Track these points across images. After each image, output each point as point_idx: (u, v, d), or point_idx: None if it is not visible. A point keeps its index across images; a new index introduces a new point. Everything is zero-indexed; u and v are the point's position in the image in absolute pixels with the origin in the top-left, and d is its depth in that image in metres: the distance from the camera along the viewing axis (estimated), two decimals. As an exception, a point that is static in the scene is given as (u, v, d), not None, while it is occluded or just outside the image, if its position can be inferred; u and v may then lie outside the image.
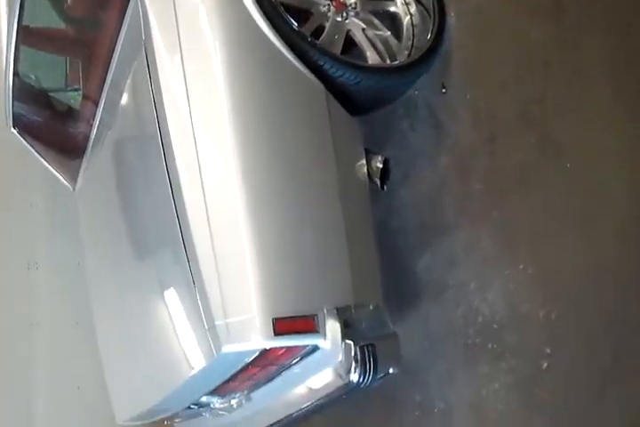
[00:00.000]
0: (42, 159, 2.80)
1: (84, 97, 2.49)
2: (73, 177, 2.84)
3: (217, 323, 1.82)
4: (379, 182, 2.35)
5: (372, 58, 2.45)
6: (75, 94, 2.55)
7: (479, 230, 2.44)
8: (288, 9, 2.26)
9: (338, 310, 1.91)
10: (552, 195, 2.21)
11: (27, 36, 2.41)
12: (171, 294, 2.18)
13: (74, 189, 2.91)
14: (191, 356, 2.03)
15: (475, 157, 2.47)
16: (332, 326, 1.87)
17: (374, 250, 2.26)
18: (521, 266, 2.28)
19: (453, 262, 2.52)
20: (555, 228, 2.20)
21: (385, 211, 2.76)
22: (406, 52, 2.53)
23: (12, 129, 2.63)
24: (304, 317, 1.84)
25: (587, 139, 2.11)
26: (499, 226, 2.38)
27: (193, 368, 1.98)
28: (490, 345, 2.37)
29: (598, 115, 2.09)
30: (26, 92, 2.57)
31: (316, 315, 1.86)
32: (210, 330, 1.85)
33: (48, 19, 2.49)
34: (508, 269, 2.32)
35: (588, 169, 2.10)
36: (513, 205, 2.34)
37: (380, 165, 2.34)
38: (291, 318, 1.82)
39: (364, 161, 2.35)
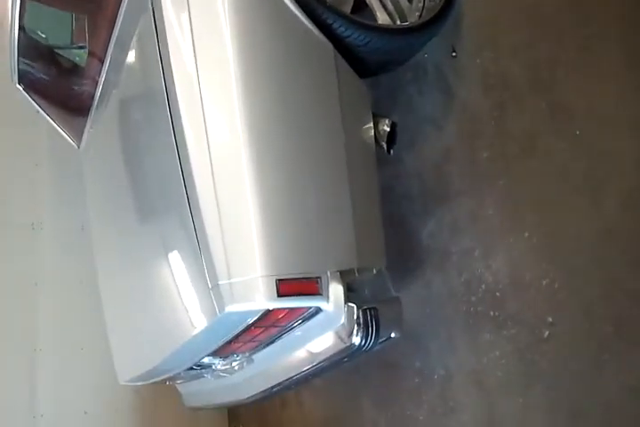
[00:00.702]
0: (47, 116, 2.78)
1: (90, 54, 2.44)
2: (78, 135, 2.82)
3: (220, 283, 1.82)
4: (385, 146, 2.31)
5: (382, 18, 2.40)
6: (80, 51, 2.50)
7: (484, 198, 2.43)
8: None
9: (341, 273, 1.90)
10: (559, 162, 2.19)
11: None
12: (175, 255, 2.17)
13: (78, 147, 2.90)
14: (194, 315, 2.03)
15: (483, 124, 2.45)
16: (335, 289, 1.87)
17: (379, 215, 2.24)
18: (526, 234, 2.28)
19: (458, 230, 2.52)
20: (560, 196, 2.19)
21: (391, 176, 2.74)
22: (417, 14, 2.47)
23: (18, 85, 2.61)
24: (308, 279, 1.84)
25: (598, 106, 2.09)
26: (504, 194, 2.37)
27: (195, 328, 1.98)
28: (492, 313, 2.38)
29: (611, 81, 2.06)
30: (31, 48, 2.53)
31: (320, 277, 1.85)
32: (213, 289, 1.85)
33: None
34: (512, 237, 2.32)
35: (598, 136, 2.08)
36: (519, 172, 2.33)
37: (388, 129, 2.30)
38: (294, 279, 1.82)
39: (371, 124, 2.32)
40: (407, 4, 2.49)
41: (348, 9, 2.33)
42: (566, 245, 2.16)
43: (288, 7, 2.06)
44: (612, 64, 2.05)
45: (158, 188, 2.25)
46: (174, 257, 2.18)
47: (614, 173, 2.04)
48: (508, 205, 2.36)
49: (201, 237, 1.90)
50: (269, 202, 1.89)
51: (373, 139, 2.31)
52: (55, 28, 2.50)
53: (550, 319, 2.20)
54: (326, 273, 1.87)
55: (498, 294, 2.36)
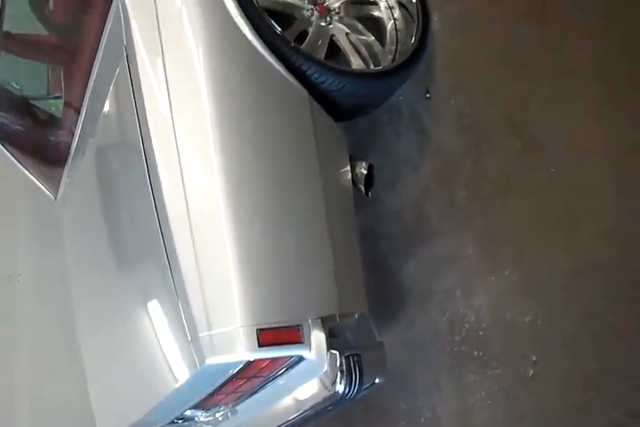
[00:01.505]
0: (23, 168, 2.77)
1: (66, 104, 2.46)
2: (54, 186, 2.81)
3: (200, 335, 1.80)
4: (363, 189, 2.33)
5: (355, 63, 2.44)
6: (56, 102, 2.52)
7: (464, 237, 2.43)
8: (271, 14, 2.24)
9: (323, 319, 1.88)
10: (536, 200, 2.21)
11: (8, 42, 2.38)
12: (154, 305, 2.15)
13: (55, 199, 2.89)
14: (175, 368, 2.00)
15: (459, 163, 2.47)
16: (317, 337, 1.85)
17: (358, 258, 2.24)
18: (506, 272, 2.28)
19: (438, 269, 2.51)
20: (539, 233, 2.20)
21: (369, 217, 2.75)
22: (390, 57, 2.52)
23: (-7, 140, 2.61)
24: (288, 327, 1.82)
25: (571, 143, 2.11)
26: (483, 232, 2.38)
27: (177, 381, 1.95)
28: (476, 353, 2.36)
29: (583, 119, 2.08)
30: (7, 100, 2.54)
31: (301, 325, 1.83)
32: (193, 342, 1.82)
33: (29, 25, 2.47)
34: (493, 275, 2.32)
35: (573, 173, 2.10)
36: (497, 211, 2.33)
37: (365, 172, 2.31)
38: (275, 328, 1.79)
39: (348, 167, 2.33)
40: (380, 47, 2.53)
41: (321, 54, 2.34)
42: (546, 281, 2.16)
43: (262, 55, 2.08)
44: (585, 102, 2.07)
45: (136, 237, 2.24)
46: (153, 308, 2.15)
47: (590, 209, 2.04)
48: (488, 243, 2.36)
49: (179, 287, 1.88)
50: (247, 250, 1.87)
51: (351, 182, 2.32)
52: (31, 80, 2.52)
53: (534, 358, 2.18)
54: (307, 320, 1.85)
55: (481, 333, 2.35)
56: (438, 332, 2.49)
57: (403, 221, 2.69)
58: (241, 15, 2.06)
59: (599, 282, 2.02)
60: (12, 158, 2.74)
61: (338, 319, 1.96)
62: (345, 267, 2.12)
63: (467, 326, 2.40)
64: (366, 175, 2.32)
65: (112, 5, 2.02)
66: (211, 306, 1.82)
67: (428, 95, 2.59)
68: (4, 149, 2.69)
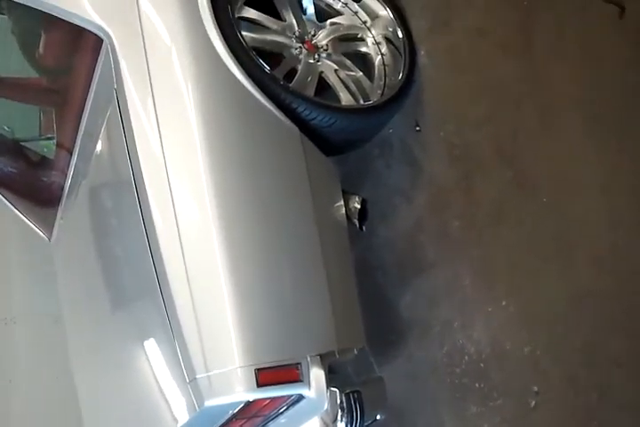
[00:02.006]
0: (16, 211, 2.77)
1: (58, 146, 2.47)
2: (48, 227, 2.80)
3: (198, 376, 1.79)
4: (357, 223, 2.34)
5: (345, 99, 2.45)
6: (48, 143, 2.53)
7: (459, 268, 2.44)
8: (260, 53, 2.26)
9: (322, 356, 1.88)
10: (529, 230, 2.22)
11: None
12: (150, 346, 2.14)
13: (50, 240, 2.90)
14: (174, 410, 1.98)
15: (451, 194, 2.49)
16: (317, 374, 1.84)
17: (355, 292, 2.23)
18: (503, 302, 2.28)
19: (435, 301, 2.52)
20: (533, 262, 2.21)
21: (365, 250, 2.75)
22: (379, 92, 2.54)
23: (-15, 182, 2.62)
24: (287, 366, 1.81)
25: (561, 173, 2.13)
26: (478, 263, 2.39)
27: (176, 423, 1.93)
28: (477, 385, 2.35)
29: (571, 148, 2.11)
30: (-2, 143, 2.57)
31: (300, 363, 1.82)
32: (191, 384, 1.81)
33: (20, 68, 2.49)
34: (490, 306, 2.32)
35: (565, 202, 2.11)
36: (491, 241, 2.35)
37: (358, 206, 2.33)
38: (273, 367, 1.78)
39: (341, 202, 2.34)
40: (369, 82, 2.56)
41: (311, 91, 2.36)
42: (544, 311, 2.17)
43: (252, 94, 2.10)
44: (572, 131, 2.09)
45: (131, 278, 2.23)
46: (150, 349, 2.14)
47: (584, 237, 2.06)
48: (483, 273, 2.37)
49: (175, 328, 1.87)
50: (243, 290, 1.87)
51: (345, 216, 2.33)
52: (22, 122, 2.54)
53: (535, 388, 2.18)
54: (306, 358, 1.84)
55: (481, 364, 2.35)
56: (438, 364, 2.49)
57: (398, 253, 2.70)
58: (230, 55, 2.08)
59: (596, 311, 2.03)
60: (5, 201, 2.75)
61: (337, 356, 1.96)
62: (342, 302, 2.11)
63: (466, 357, 2.39)
64: (360, 210, 2.33)
65: (102, 48, 2.04)
66: (207, 347, 1.81)
67: (417, 128, 2.61)
68: (-4, 193, 2.70)
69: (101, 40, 2.01)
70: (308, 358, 1.85)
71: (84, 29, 2.03)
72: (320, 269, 2.04)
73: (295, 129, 2.17)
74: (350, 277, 2.25)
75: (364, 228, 2.36)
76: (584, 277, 2.04)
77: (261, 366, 1.77)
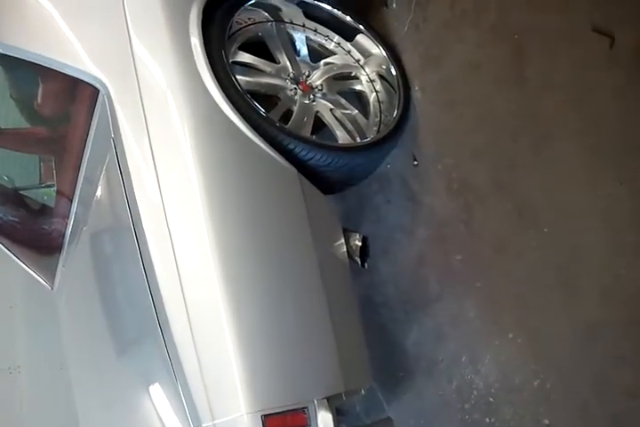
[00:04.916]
0: (18, 260, 2.77)
1: (58, 193, 2.47)
2: (50, 275, 2.80)
3: (204, 425, 1.78)
4: (359, 261, 2.33)
5: (341, 137, 2.48)
6: (48, 191, 2.54)
7: (464, 301, 2.43)
8: (255, 95, 2.29)
9: (329, 399, 1.87)
10: (532, 261, 2.21)
11: (-1, 138, 2.44)
12: (155, 394, 2.12)
13: (52, 288, 2.90)
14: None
15: (452, 228, 2.49)
16: (324, 418, 1.83)
17: (360, 331, 2.22)
18: (510, 335, 2.27)
19: (442, 335, 2.50)
20: (538, 294, 2.20)
21: (368, 286, 2.74)
22: (375, 129, 2.57)
23: (-14, 232, 2.62)
24: (294, 410, 1.80)
25: (560, 203, 2.13)
26: (483, 296, 2.38)
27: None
28: (487, 420, 2.33)
29: (569, 178, 2.11)
30: (-2, 193, 2.58)
31: (307, 407, 1.82)
32: (197, 433, 1.81)
33: (18, 118, 2.52)
34: (497, 339, 2.31)
35: (566, 233, 2.11)
36: (495, 273, 2.34)
37: (359, 244, 2.33)
38: (280, 413, 1.77)
39: (342, 240, 2.34)
40: (364, 120, 2.59)
41: (307, 131, 2.39)
42: (552, 343, 2.15)
43: (248, 137, 2.12)
44: (569, 161, 2.10)
45: (133, 324, 2.23)
46: (155, 397, 2.12)
47: (587, 266, 2.05)
48: (489, 306, 2.36)
49: (179, 375, 1.86)
50: (246, 334, 1.87)
51: (346, 254, 2.33)
52: (21, 171, 2.55)
53: (546, 421, 2.16)
54: (313, 402, 1.84)
55: (491, 399, 2.32)
56: (447, 400, 2.46)
57: (402, 289, 2.69)
58: (225, 100, 2.11)
59: (604, 341, 2.01)
60: (6, 250, 2.75)
61: (344, 398, 1.94)
62: (347, 342, 2.10)
63: (475, 392, 2.37)
64: (361, 247, 2.33)
65: (98, 97, 2.07)
66: (212, 394, 1.80)
67: (415, 162, 2.62)
68: (-2, 244, 2.70)
69: (97, 90, 2.03)
70: (315, 402, 1.84)
71: (79, 80, 2.06)
72: (324, 310, 2.03)
73: (293, 170, 2.18)
74: (355, 315, 2.24)
75: (366, 265, 2.35)
76: (590, 308, 2.03)
77: (268, 412, 1.76)
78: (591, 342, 2.03)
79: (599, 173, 2.02)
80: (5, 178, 2.55)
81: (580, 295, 2.06)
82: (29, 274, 2.83)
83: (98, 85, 2.03)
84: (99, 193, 2.31)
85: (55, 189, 2.47)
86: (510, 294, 2.28)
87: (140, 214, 2.00)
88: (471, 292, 2.40)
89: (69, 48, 2.04)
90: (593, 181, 2.04)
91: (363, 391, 2.08)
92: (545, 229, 2.16)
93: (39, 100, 2.30)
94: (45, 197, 2.55)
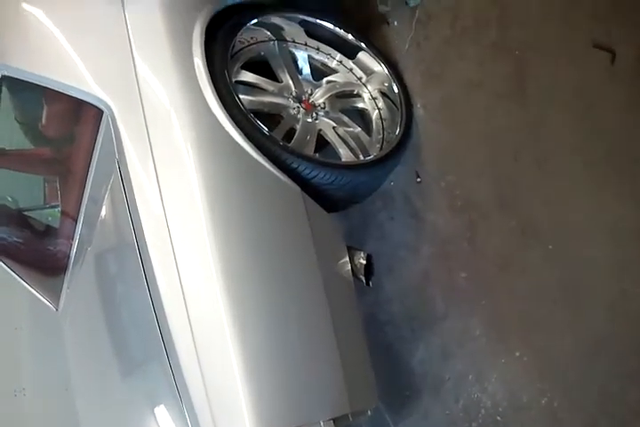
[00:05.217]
0: (22, 281, 2.77)
1: (63, 214, 2.47)
2: (55, 297, 2.78)
3: (211, 450, 1.76)
4: (364, 279, 2.33)
5: (345, 155, 2.48)
6: (53, 211, 2.54)
7: (470, 319, 2.42)
8: (258, 115, 2.30)
9: (335, 420, 1.86)
10: (537, 278, 2.20)
11: (2, 159, 2.44)
12: (160, 415, 2.10)
13: (57, 310, 2.89)
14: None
15: (456, 245, 2.48)
16: (331, 439, 1.82)
17: (366, 351, 2.21)
18: (516, 353, 2.25)
19: (448, 354, 2.49)
20: (544, 311, 2.18)
21: (373, 304, 2.74)
22: (378, 146, 2.58)
23: (-7, 255, 2.62)
24: None
25: (564, 219, 2.12)
26: (489, 313, 2.36)
27: None
28: (495, 438, 2.31)
29: (572, 195, 2.11)
30: (3, 214, 2.56)
31: None
32: (203, 455, 1.79)
33: (23, 140, 2.53)
34: (503, 357, 2.29)
35: (570, 249, 2.10)
36: (499, 291, 2.33)
37: (364, 262, 2.32)
38: (287, 434, 1.76)
39: (347, 259, 2.34)
40: (367, 137, 2.60)
41: (310, 150, 2.40)
42: (558, 360, 2.13)
43: (252, 156, 2.13)
44: (572, 177, 2.10)
45: (138, 346, 2.22)
46: (160, 418, 2.10)
47: (592, 283, 2.04)
48: (494, 324, 2.34)
49: (185, 398, 1.86)
50: (251, 356, 1.86)
51: (351, 273, 2.33)
52: (26, 191, 2.56)
53: (555, 440, 2.14)
54: (319, 423, 1.83)
55: (499, 417, 2.30)
56: (455, 419, 2.44)
57: (407, 307, 2.68)
58: (228, 120, 2.11)
59: (610, 358, 1.99)
60: (11, 272, 2.75)
61: (350, 419, 1.93)
62: (353, 362, 2.09)
63: (483, 411, 2.35)
64: (365, 265, 2.33)
65: (102, 119, 2.07)
66: (218, 416, 1.80)
67: (418, 179, 2.62)
68: (3, 265, 2.69)
69: (101, 111, 2.04)
70: (322, 423, 1.83)
71: (83, 101, 2.07)
72: (329, 330, 2.03)
73: (297, 189, 2.19)
74: (360, 335, 2.23)
75: (370, 283, 2.35)
76: (596, 325, 2.02)
77: (274, 435, 1.75)
78: (598, 359, 2.01)
79: (602, 188, 2.02)
80: (9, 199, 2.55)
81: (585, 312, 2.05)
82: (34, 295, 2.82)
83: (102, 107, 2.04)
84: (103, 213, 2.31)
85: (60, 209, 2.48)
86: (515, 312, 2.27)
87: (143, 234, 2.00)
88: (476, 310, 2.39)
89: (73, 69, 2.05)
90: (596, 197, 2.03)
91: (369, 412, 2.06)
92: (549, 246, 2.15)
93: (43, 121, 2.30)
94: (50, 218, 2.55)
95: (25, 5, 2.18)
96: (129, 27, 2.12)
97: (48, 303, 2.82)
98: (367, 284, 2.35)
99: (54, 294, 2.75)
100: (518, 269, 2.25)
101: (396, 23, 2.71)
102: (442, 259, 2.52)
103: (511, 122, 2.28)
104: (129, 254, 2.09)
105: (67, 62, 2.06)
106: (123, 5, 2.15)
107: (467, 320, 2.41)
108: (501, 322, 2.31)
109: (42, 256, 2.68)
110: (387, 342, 2.71)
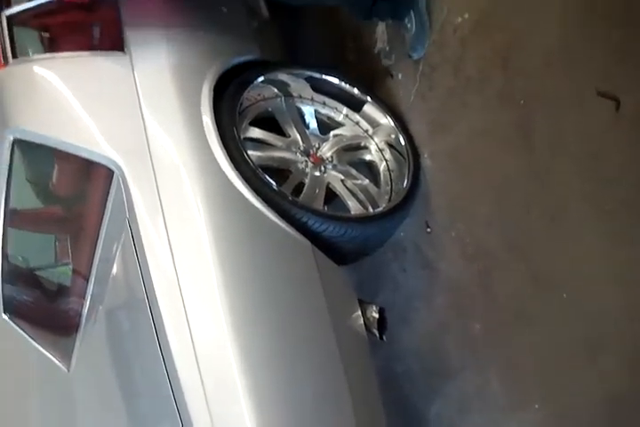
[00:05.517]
0: (33, 341, 2.75)
1: (75, 272, 2.47)
2: (67, 357, 2.75)
3: None
4: (377, 334, 2.30)
5: (353, 207, 2.48)
6: (64, 269, 2.55)
7: (486, 371, 2.38)
8: (267, 170, 2.32)
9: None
10: (553, 328, 2.16)
11: (16, 219, 2.45)
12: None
13: (68, 371, 2.85)
14: None
15: (469, 294, 2.46)
16: None
17: (380, 405, 2.18)
18: (535, 406, 2.20)
19: (465, 407, 2.45)
20: (562, 362, 2.14)
21: (387, 358, 2.70)
22: (387, 197, 2.58)
23: (3, 315, 2.61)
24: None
25: (577, 267, 2.09)
26: (505, 365, 2.33)
27: None
28: None
29: (584, 242, 2.08)
30: (14, 274, 2.56)
31: None
32: None
33: (34, 200, 2.56)
34: (522, 410, 2.25)
35: (585, 297, 2.07)
36: (516, 341, 2.29)
37: (376, 316, 2.30)
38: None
39: (359, 312, 2.32)
40: (376, 189, 2.60)
41: (319, 203, 2.40)
42: (578, 414, 2.09)
43: (261, 211, 2.14)
44: (583, 225, 2.08)
45: (151, 408, 2.18)
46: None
47: (610, 334, 2.00)
48: (512, 376, 2.30)
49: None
50: (265, 413, 1.85)
51: (364, 326, 2.31)
52: (37, 250, 2.57)
53: None
54: None
55: (518, 471, 2.25)
56: (474, 476, 2.39)
57: (422, 359, 2.64)
58: (238, 176, 2.14)
59: (631, 413, 1.94)
60: (21, 332, 2.73)
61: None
62: (367, 417, 2.07)
63: (502, 465, 2.30)
64: (378, 319, 2.30)
65: (113, 179, 2.10)
66: None
67: (428, 229, 2.62)
68: (13, 324, 2.68)
69: (112, 172, 2.07)
70: None
71: (94, 162, 2.10)
72: (342, 385, 2.00)
73: (307, 243, 2.19)
74: (375, 389, 2.20)
75: (384, 337, 2.32)
76: (617, 376, 1.97)
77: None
78: (618, 413, 1.96)
79: (615, 236, 1.99)
80: (20, 258, 2.56)
81: (603, 364, 2.00)
82: (45, 355, 2.80)
83: (112, 167, 2.07)
84: (114, 271, 2.31)
85: (71, 267, 2.48)
86: (533, 363, 2.23)
87: (154, 291, 2.01)
88: (494, 361, 2.35)
89: (84, 131, 2.09)
90: (610, 245, 2.01)
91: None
92: (564, 295, 2.12)
93: (54, 180, 2.34)
94: (61, 277, 2.55)
95: (36, 68, 2.24)
96: (138, 87, 2.17)
97: (59, 364, 2.80)
98: (381, 338, 2.32)
99: (66, 355, 2.71)
100: (534, 319, 2.22)
101: (400, 76, 2.75)
102: (456, 309, 2.50)
103: (519, 170, 2.27)
104: (140, 312, 2.08)
105: (78, 124, 2.11)
106: (132, 66, 2.21)
107: (483, 372, 2.37)
108: (518, 374, 2.27)
109: (53, 315, 2.67)
110: (402, 396, 2.67)
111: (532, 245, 2.24)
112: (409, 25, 2.54)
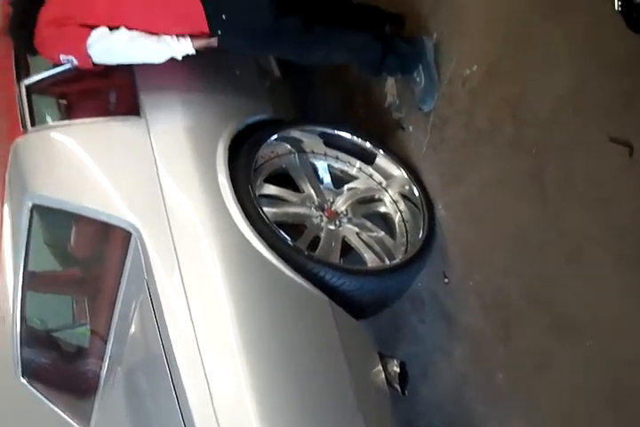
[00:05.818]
0: (51, 404, 2.72)
1: (93, 333, 2.47)
2: (86, 420, 2.73)
3: None
4: (399, 388, 2.27)
5: (370, 259, 2.49)
6: (83, 330, 2.55)
7: (511, 422, 2.34)
8: (282, 225, 2.34)
9: None
10: (577, 376, 2.13)
11: (33, 281, 2.46)
12: None
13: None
14: None
15: (490, 345, 2.43)
16: None
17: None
18: (564, 454, 2.16)
19: (491, 461, 2.39)
20: (588, 413, 2.10)
21: (409, 412, 2.66)
22: (403, 249, 2.58)
23: (22, 378, 2.59)
24: None
25: (599, 313, 2.07)
26: (530, 415, 2.29)
27: None
28: None
29: (604, 288, 2.06)
30: (32, 337, 2.56)
31: None
32: None
33: (52, 262, 2.58)
34: (549, 462, 2.20)
35: (609, 345, 2.04)
36: (540, 391, 2.26)
37: (398, 370, 2.27)
38: None
39: (380, 367, 2.29)
40: (391, 241, 2.60)
41: (335, 257, 2.41)
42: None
43: (278, 267, 2.15)
44: (603, 271, 2.06)
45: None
46: None
47: (636, 379, 1.96)
48: (538, 424, 2.26)
49: None
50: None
51: (385, 381, 2.28)
52: (55, 312, 2.57)
53: None
54: None
55: None
56: None
57: (445, 412, 2.60)
58: (254, 233, 2.16)
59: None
60: (39, 395, 2.70)
61: None
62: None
63: None
64: (399, 373, 2.27)
65: (131, 241, 2.11)
66: None
67: (446, 280, 2.61)
68: (31, 388, 2.66)
69: (130, 234, 2.09)
70: None
71: (112, 225, 2.12)
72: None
73: (324, 298, 2.19)
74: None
75: (406, 392, 2.29)
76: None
77: None
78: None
79: (636, 281, 1.98)
80: (38, 321, 2.56)
81: (632, 415, 1.96)
82: (63, 419, 2.77)
83: (130, 229, 2.09)
84: (132, 331, 2.31)
85: (89, 328, 2.48)
86: (558, 413, 2.19)
87: (173, 350, 2.01)
88: (517, 412, 2.31)
89: (102, 195, 2.13)
90: (630, 290, 1.99)
91: None
92: (587, 343, 2.09)
93: (72, 243, 2.36)
94: (79, 338, 2.55)
95: (54, 135, 2.30)
96: (155, 150, 2.21)
97: (78, 427, 2.78)
98: (403, 393, 2.28)
99: (85, 417, 2.68)
100: (558, 368, 2.19)
101: (411, 128, 2.78)
102: (477, 360, 2.47)
103: (533, 219, 2.28)
104: (159, 371, 2.08)
105: (96, 189, 2.15)
106: (148, 129, 2.26)
107: (508, 422, 2.34)
108: (544, 422, 2.23)
109: (72, 377, 2.65)
110: (427, 452, 2.62)
111: (552, 292, 2.23)
112: (418, 79, 2.59)
